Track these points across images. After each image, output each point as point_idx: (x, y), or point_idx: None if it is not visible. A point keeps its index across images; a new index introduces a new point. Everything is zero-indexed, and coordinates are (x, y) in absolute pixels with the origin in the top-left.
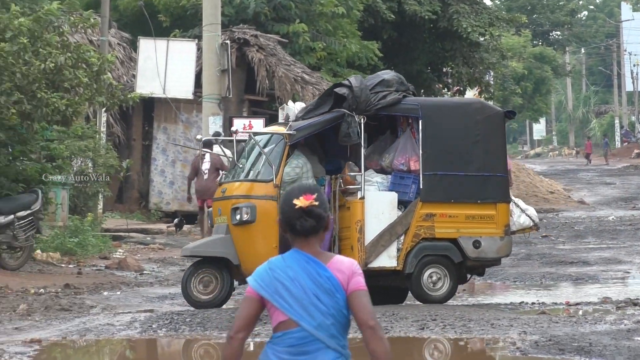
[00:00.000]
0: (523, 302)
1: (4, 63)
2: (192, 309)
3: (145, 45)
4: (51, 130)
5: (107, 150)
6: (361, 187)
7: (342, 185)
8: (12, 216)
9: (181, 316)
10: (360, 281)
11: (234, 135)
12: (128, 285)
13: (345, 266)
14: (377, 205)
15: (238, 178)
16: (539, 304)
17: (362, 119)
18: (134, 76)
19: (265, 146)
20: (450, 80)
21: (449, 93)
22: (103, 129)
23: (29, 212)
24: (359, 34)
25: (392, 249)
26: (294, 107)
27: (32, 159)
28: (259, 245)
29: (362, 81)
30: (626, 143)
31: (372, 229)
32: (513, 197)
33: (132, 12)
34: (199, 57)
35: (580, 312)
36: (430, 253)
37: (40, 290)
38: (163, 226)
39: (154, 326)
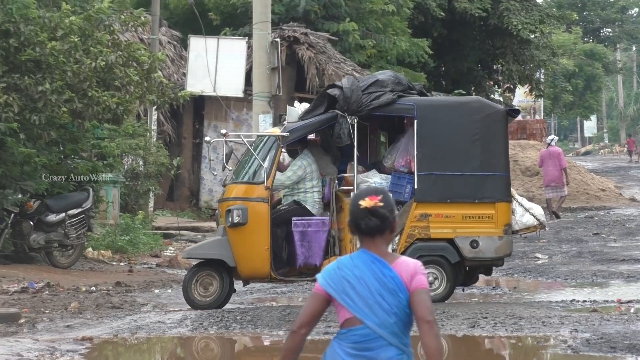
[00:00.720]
0: (574, 299)
1: (55, 62)
2: (242, 306)
3: (196, 43)
4: (102, 129)
5: (157, 148)
6: (354, 188)
7: (337, 186)
8: (63, 214)
9: (232, 314)
10: (422, 279)
11: (224, 137)
12: (179, 283)
13: (409, 267)
14: None
15: (237, 180)
16: (590, 301)
17: (354, 120)
18: (184, 74)
19: (260, 148)
20: (500, 78)
21: (499, 90)
22: (154, 127)
23: (80, 210)
24: (409, 31)
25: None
26: (299, 108)
27: (83, 157)
28: (251, 247)
29: (354, 82)
30: None
31: None
32: (517, 196)
33: (183, 10)
34: (249, 55)
35: (632, 310)
36: (425, 253)
37: (91, 288)
38: (213, 224)
39: (204, 324)
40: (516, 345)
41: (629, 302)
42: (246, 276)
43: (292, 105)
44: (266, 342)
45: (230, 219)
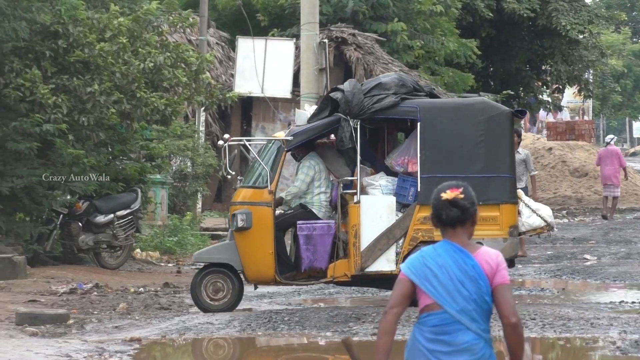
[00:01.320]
0: (623, 301)
1: (104, 63)
2: (290, 307)
3: (244, 44)
4: (150, 130)
5: (205, 149)
6: (357, 192)
7: (343, 189)
8: (112, 215)
9: (279, 315)
10: (505, 275)
11: (225, 142)
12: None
13: (491, 258)
14: (374, 209)
15: (245, 184)
16: (639, 303)
17: (357, 123)
18: (232, 75)
19: (266, 152)
20: (549, 78)
21: (547, 91)
22: (202, 128)
23: (128, 211)
24: (457, 32)
25: (391, 253)
26: (309, 111)
27: (131, 158)
28: (255, 250)
29: (356, 85)
30: None
31: (369, 233)
32: (523, 197)
33: (231, 11)
34: (297, 56)
35: None
36: None
37: (139, 289)
38: None
39: (252, 325)
40: (565, 346)
41: None
42: (252, 279)
43: (307, 107)
44: (314, 343)
45: (235, 223)
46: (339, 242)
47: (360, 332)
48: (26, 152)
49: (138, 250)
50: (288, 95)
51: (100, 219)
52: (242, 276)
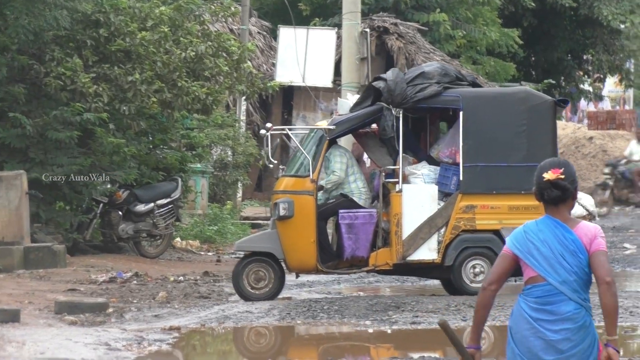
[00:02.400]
0: None
1: (145, 52)
2: (329, 296)
3: (285, 33)
4: (191, 119)
5: (246, 138)
6: (399, 180)
7: (385, 178)
8: (152, 204)
9: (319, 304)
10: (601, 243)
11: (267, 132)
12: None
13: (589, 230)
14: (416, 198)
15: (287, 173)
16: None
17: (399, 112)
18: (273, 65)
19: (308, 141)
20: (590, 68)
21: (589, 80)
22: (243, 117)
23: (168, 200)
24: (499, 21)
25: (433, 242)
26: (351, 100)
27: (172, 147)
28: (297, 239)
29: (399, 74)
30: None
31: (411, 222)
32: None
33: (273, 1)
34: (339, 46)
35: None
36: (471, 245)
37: (179, 278)
38: None
39: (291, 313)
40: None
41: None
42: (294, 268)
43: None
44: (353, 331)
45: (277, 211)
46: (381, 230)
47: (399, 321)
48: (67, 141)
49: (178, 239)
50: (329, 85)
51: (141, 207)
52: (283, 265)
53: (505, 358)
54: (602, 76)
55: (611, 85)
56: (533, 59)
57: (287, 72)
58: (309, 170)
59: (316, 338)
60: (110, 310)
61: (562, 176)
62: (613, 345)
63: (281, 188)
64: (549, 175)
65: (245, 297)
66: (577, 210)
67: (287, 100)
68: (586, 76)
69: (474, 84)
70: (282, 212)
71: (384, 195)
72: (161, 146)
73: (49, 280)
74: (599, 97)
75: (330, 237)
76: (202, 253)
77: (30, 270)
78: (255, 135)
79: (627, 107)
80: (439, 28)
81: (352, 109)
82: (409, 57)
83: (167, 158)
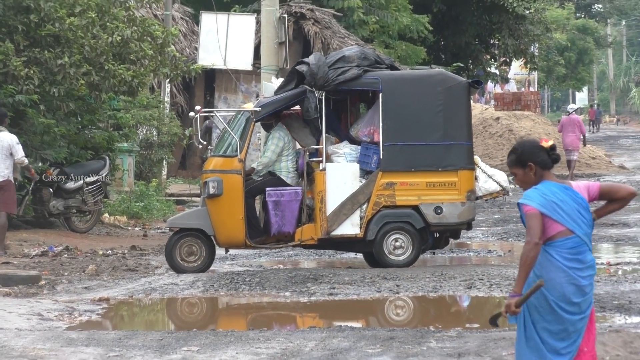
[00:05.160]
0: None
1: (74, 36)
2: (251, 269)
3: (207, 19)
4: (118, 100)
5: (170, 119)
6: (322, 159)
7: (309, 158)
8: (81, 182)
9: (241, 276)
10: (592, 183)
11: (196, 114)
12: None
13: (585, 187)
14: (339, 176)
15: (215, 153)
16: None
17: (322, 95)
18: (196, 49)
19: (235, 123)
20: (497, 52)
21: (495, 64)
22: (167, 99)
23: (97, 177)
24: (410, 7)
25: (355, 217)
26: (275, 83)
27: (100, 128)
28: (226, 216)
29: (321, 58)
30: None
31: (334, 199)
32: (480, 163)
33: None
34: (258, 31)
35: (620, 272)
36: (392, 220)
37: (108, 252)
38: None
39: (215, 285)
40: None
41: (617, 264)
42: (224, 244)
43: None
44: (273, 302)
45: (206, 190)
46: (306, 207)
47: (317, 292)
48: None
49: (106, 214)
50: (249, 68)
51: (70, 185)
52: (214, 240)
53: (526, 307)
54: (508, 60)
55: (517, 68)
56: (442, 43)
57: (209, 56)
58: (236, 150)
59: (239, 307)
60: (43, 282)
61: (552, 142)
62: None
63: (210, 167)
64: (545, 144)
65: (178, 270)
66: (491, 186)
67: (210, 83)
68: (493, 60)
69: (392, 67)
70: (211, 191)
71: (308, 174)
72: (89, 126)
73: None
74: (505, 80)
75: (258, 214)
76: (129, 228)
77: None
78: (179, 116)
79: (531, 89)
80: (353, 14)
81: (277, 92)
82: (325, 41)
83: (95, 138)
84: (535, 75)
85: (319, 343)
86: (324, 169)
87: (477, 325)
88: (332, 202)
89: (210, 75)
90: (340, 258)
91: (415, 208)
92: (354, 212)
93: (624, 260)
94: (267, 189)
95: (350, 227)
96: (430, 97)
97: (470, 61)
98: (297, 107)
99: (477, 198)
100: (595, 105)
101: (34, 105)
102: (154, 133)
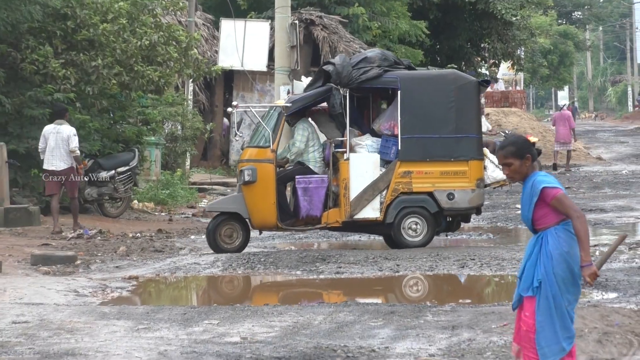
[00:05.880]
0: None
1: (106, 41)
2: (265, 250)
3: (226, 25)
4: (146, 98)
5: (193, 115)
6: (347, 150)
7: (334, 149)
8: (113, 171)
9: (257, 256)
10: None
11: (234, 109)
12: None
13: None
14: (361, 165)
15: (251, 144)
16: None
17: (346, 92)
18: (216, 52)
19: (269, 117)
20: (487, 54)
21: (486, 65)
22: (190, 97)
23: (127, 168)
24: (409, 14)
25: (376, 203)
26: (305, 82)
27: (130, 123)
28: (260, 201)
29: (345, 59)
30: (637, 108)
31: (357, 186)
32: (489, 154)
33: None
34: (272, 35)
35: (597, 253)
36: (408, 205)
37: (137, 235)
38: None
39: (233, 265)
40: (499, 282)
41: (594, 245)
42: (258, 226)
43: (303, 79)
44: (285, 280)
45: (242, 177)
46: (332, 193)
47: (325, 271)
48: (40, 117)
49: (135, 201)
50: (264, 69)
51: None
52: (249, 223)
53: (554, 280)
54: (497, 61)
55: (505, 69)
56: (438, 46)
57: (227, 58)
58: (269, 142)
59: (254, 285)
60: (78, 262)
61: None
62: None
63: (246, 157)
64: (533, 139)
65: (217, 250)
66: (499, 174)
67: (228, 82)
68: (483, 61)
69: (410, 68)
70: (246, 178)
71: (333, 163)
72: (121, 122)
73: (26, 237)
74: (494, 80)
75: (288, 199)
76: (156, 213)
77: (9, 228)
78: (200, 112)
79: (518, 88)
80: (357, 20)
81: (306, 89)
82: (332, 45)
83: (125, 132)
84: (521, 75)
85: (326, 317)
86: (347, 159)
87: (469, 301)
88: (355, 188)
89: (229, 76)
90: (347, 240)
91: (430, 194)
92: (375, 197)
93: (600, 242)
94: (297, 176)
95: (371, 211)
96: (443, 94)
97: (463, 63)
98: (324, 103)
99: (485, 185)
100: (572, 104)
101: (70, 102)
102: (179, 127)
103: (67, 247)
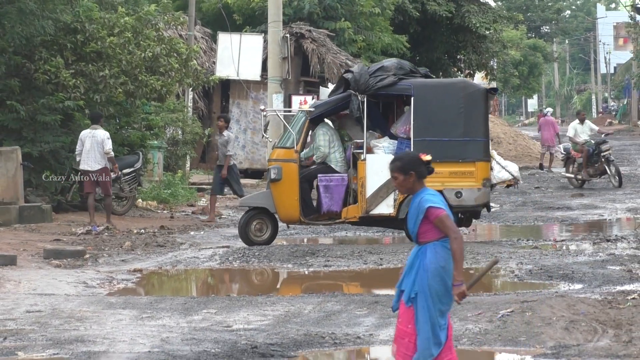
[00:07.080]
0: (520, 239)
1: (113, 53)
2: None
3: (223, 38)
4: (150, 106)
5: (193, 121)
6: (364, 151)
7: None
8: (119, 172)
9: (251, 251)
10: None
11: (263, 112)
12: (210, 226)
13: None
14: (377, 165)
15: (278, 145)
16: (532, 240)
17: (364, 97)
18: (214, 62)
19: (295, 120)
20: (462, 65)
21: (461, 75)
22: (190, 104)
23: (132, 169)
24: (391, 28)
25: (390, 199)
26: (330, 89)
27: (134, 128)
28: (285, 197)
29: (363, 68)
30: (601, 114)
31: (372, 184)
32: (495, 156)
33: (213, 12)
34: (265, 48)
35: (564, 247)
36: None
37: (141, 231)
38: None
39: (230, 259)
40: (474, 274)
41: (562, 241)
42: (284, 220)
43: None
44: (278, 272)
45: (270, 175)
46: (352, 191)
47: (314, 264)
48: (52, 123)
49: (140, 200)
50: (258, 78)
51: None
52: (276, 217)
53: (428, 292)
54: (472, 72)
55: (479, 79)
56: (417, 58)
57: (224, 69)
58: (294, 143)
59: (250, 277)
60: (87, 256)
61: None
62: None
63: (273, 157)
64: (425, 157)
65: (249, 242)
66: (504, 175)
67: (225, 91)
68: (459, 72)
69: (426, 76)
70: (273, 176)
71: (354, 163)
72: (126, 127)
73: (39, 233)
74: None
75: (311, 196)
76: (159, 211)
77: (24, 224)
78: (199, 118)
79: None
80: (344, 34)
81: (329, 95)
82: (320, 56)
83: (130, 136)
84: (494, 84)
85: (316, 306)
86: (364, 159)
87: None
88: (371, 186)
89: (226, 85)
90: (334, 236)
91: (440, 192)
92: (389, 195)
93: (567, 238)
94: (319, 175)
95: (386, 207)
96: (453, 101)
97: (440, 73)
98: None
99: (492, 185)
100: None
101: (80, 109)
102: (179, 132)
103: (77, 242)
